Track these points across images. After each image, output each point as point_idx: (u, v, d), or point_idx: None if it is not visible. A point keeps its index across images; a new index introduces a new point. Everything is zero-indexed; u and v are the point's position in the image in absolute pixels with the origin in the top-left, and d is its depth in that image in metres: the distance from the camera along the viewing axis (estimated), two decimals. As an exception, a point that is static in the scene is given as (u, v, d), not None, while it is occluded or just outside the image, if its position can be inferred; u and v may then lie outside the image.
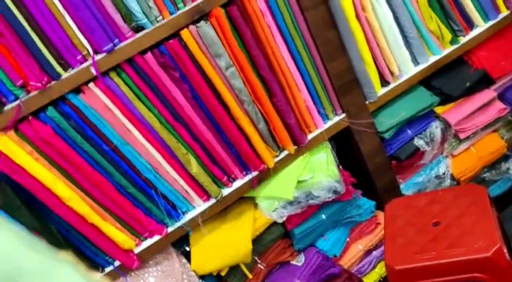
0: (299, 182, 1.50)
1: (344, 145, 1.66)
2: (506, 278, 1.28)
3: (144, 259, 1.45)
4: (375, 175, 1.67)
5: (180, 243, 1.58)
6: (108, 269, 1.41)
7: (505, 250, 1.29)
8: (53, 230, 1.31)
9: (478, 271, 1.28)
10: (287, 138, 1.49)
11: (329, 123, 1.56)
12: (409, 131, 1.67)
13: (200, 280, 1.53)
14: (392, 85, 1.60)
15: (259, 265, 1.62)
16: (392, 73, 1.59)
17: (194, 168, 1.41)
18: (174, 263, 1.50)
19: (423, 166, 1.74)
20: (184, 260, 1.55)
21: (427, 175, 1.75)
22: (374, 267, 1.69)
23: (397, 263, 1.34)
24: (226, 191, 1.49)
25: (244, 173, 1.50)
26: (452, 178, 1.78)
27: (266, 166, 1.49)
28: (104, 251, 1.36)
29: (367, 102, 1.58)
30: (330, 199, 1.53)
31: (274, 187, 1.52)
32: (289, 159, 1.52)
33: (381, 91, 1.60)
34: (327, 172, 1.50)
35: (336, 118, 1.56)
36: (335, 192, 1.52)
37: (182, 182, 1.42)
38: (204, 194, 1.46)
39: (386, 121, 1.61)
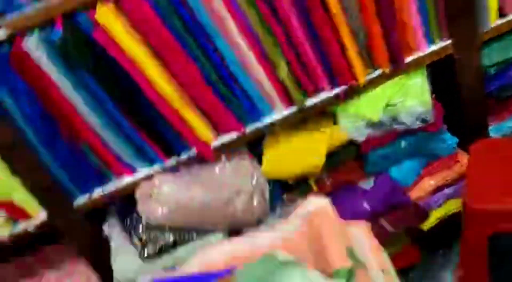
0: (387, 104, 1.43)
1: (440, 73, 1.56)
2: None
3: (218, 154, 1.46)
4: (467, 111, 1.57)
5: (252, 145, 1.58)
6: (184, 155, 1.43)
7: None
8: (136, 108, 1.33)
9: None
10: (385, 56, 1.40)
11: (433, 47, 1.44)
12: (515, 71, 1.53)
13: (267, 184, 1.54)
14: (510, 17, 1.45)
15: (326, 181, 1.60)
16: (514, 2, 1.43)
17: (283, 72, 1.35)
18: (245, 162, 1.50)
19: (520, 111, 1.62)
20: (256, 162, 1.55)
21: (522, 120, 1.63)
22: (441, 204, 1.64)
23: (476, 203, 1.29)
24: (310, 101, 1.44)
25: (332, 85, 1.43)
26: (547, 128, 1.66)
27: (356, 82, 1.42)
28: (184, 137, 1.37)
29: (479, 31, 1.44)
30: (415, 127, 1.46)
31: (361, 104, 1.45)
32: (382, 78, 1.44)
33: (496, 21, 1.45)
34: (420, 99, 1.42)
35: (441, 44, 1.44)
36: (423, 120, 1.44)
37: (268, 84, 1.38)
38: (287, 100, 1.42)
39: (495, 56, 1.47)
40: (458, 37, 1.43)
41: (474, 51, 1.45)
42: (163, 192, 1.35)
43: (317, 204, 0.99)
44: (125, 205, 1.47)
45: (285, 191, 1.61)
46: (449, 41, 1.44)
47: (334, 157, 1.57)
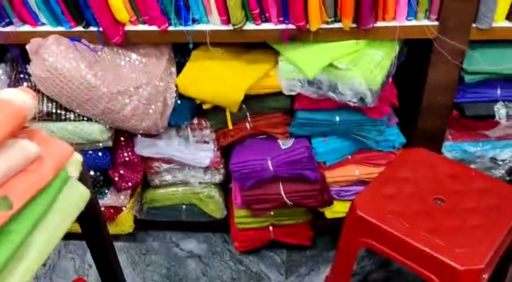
0: (331, 65, 1.21)
1: (412, 58, 1.31)
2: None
3: (133, 42, 1.28)
4: (424, 113, 1.33)
5: (182, 53, 1.39)
6: (92, 28, 1.26)
7: (485, 277, 1.02)
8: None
9: (439, 277, 1.02)
10: (350, 10, 1.16)
11: (413, 23, 1.19)
12: (498, 91, 1.27)
13: (177, 97, 1.37)
14: (520, 24, 1.18)
15: (246, 123, 1.42)
16: (532, 9, 1.15)
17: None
18: (161, 63, 1.32)
19: (485, 139, 1.37)
20: (174, 69, 1.37)
21: (483, 151, 1.39)
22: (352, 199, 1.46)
23: (364, 209, 1.10)
24: (250, 26, 1.23)
25: (281, 19, 1.21)
26: (508, 172, 1.42)
27: (307, 26, 1.19)
28: (94, 12, 1.19)
29: (474, 25, 1.18)
30: (353, 105, 1.25)
31: (302, 54, 1.23)
32: (339, 34, 1.21)
33: (501, 23, 1.18)
34: (368, 75, 1.19)
35: (424, 22, 1.19)
36: (361, 100, 1.22)
37: (209, -13, 1.17)
38: (226, 14, 1.21)
39: (481, 62, 1.21)
40: (446, 22, 1.17)
41: (459, 46, 1.19)
42: (50, 52, 1.19)
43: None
44: (22, 56, 1.33)
45: (199, 115, 1.44)
46: (435, 23, 1.18)
47: (264, 101, 1.38)
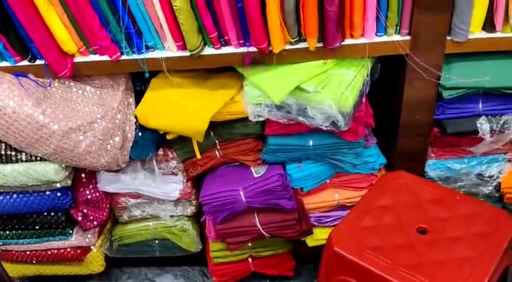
0: (299, 88, 1.12)
1: (387, 74, 1.23)
2: None
3: (84, 74, 1.19)
4: (403, 132, 1.25)
5: (142, 81, 1.30)
6: (39, 62, 1.16)
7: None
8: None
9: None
10: (314, 29, 1.07)
11: (383, 39, 1.11)
12: (480, 105, 1.19)
13: (137, 129, 1.28)
14: (496, 35, 1.09)
15: (216, 151, 1.33)
16: (508, 17, 1.07)
17: (180, 3, 1.03)
18: (117, 94, 1.23)
19: (470, 155, 1.29)
20: (132, 100, 1.28)
21: (469, 168, 1.30)
22: (334, 225, 1.36)
23: (341, 245, 1.01)
24: (209, 51, 1.14)
25: (241, 41, 1.12)
26: (497, 188, 1.33)
27: (270, 48, 1.10)
28: (36, 45, 1.10)
29: (449, 38, 1.09)
30: (325, 129, 1.16)
31: (267, 77, 1.14)
32: (304, 55, 1.12)
33: (478, 34, 1.10)
34: (339, 97, 1.10)
35: (395, 38, 1.10)
36: (333, 124, 1.13)
37: (160, 13, 1.08)
38: (181, 39, 1.12)
39: (459, 76, 1.13)
40: (419, 37, 1.08)
41: (433, 59, 1.11)
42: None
43: None
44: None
45: (163, 145, 1.35)
46: (406, 38, 1.10)
47: (232, 128, 1.29)
